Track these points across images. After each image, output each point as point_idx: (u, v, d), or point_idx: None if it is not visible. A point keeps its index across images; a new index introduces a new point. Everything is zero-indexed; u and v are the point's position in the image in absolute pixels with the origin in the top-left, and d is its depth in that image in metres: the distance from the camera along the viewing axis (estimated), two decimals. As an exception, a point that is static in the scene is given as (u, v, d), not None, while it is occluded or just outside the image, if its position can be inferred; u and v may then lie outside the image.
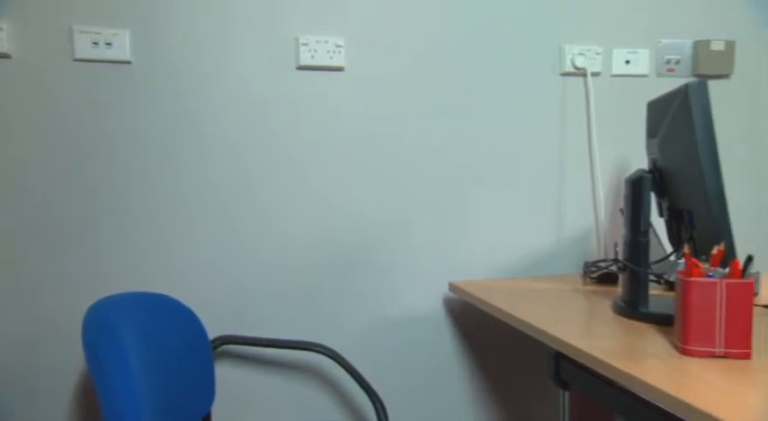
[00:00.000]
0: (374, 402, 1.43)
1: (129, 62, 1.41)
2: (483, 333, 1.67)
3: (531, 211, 1.68)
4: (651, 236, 1.49)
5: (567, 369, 1.21)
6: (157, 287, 1.45)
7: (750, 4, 1.74)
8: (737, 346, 0.95)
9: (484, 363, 1.69)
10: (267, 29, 1.47)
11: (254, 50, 1.47)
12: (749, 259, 0.96)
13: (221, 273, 1.49)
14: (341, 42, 1.50)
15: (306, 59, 1.48)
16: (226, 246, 1.49)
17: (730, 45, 1.71)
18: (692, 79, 1.06)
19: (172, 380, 1.15)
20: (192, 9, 1.43)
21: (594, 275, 1.52)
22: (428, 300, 1.63)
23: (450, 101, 1.61)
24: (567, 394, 1.49)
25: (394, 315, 1.61)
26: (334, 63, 1.50)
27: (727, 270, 0.96)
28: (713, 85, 1.74)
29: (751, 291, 0.95)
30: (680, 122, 1.07)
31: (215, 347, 1.45)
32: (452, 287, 1.57)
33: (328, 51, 1.48)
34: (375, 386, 1.60)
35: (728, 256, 0.97)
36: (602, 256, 1.69)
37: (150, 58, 1.42)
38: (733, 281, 0.94)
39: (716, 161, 1.00)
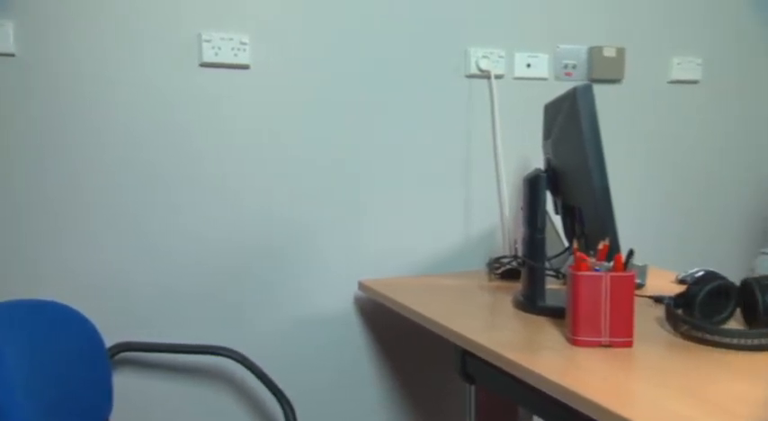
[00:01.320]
0: (282, 405, 1.41)
1: (12, 55, 1.33)
2: (393, 331, 1.69)
3: (439, 209, 1.71)
4: (552, 232, 1.56)
5: (472, 364, 1.24)
6: (48, 292, 1.37)
7: (639, 14, 1.85)
8: (621, 335, 1.01)
9: (394, 362, 1.71)
10: (168, 24, 1.42)
11: (155, 46, 1.41)
12: (630, 253, 1.03)
13: (120, 275, 1.42)
14: (246, 40, 1.47)
15: (209, 56, 1.44)
16: (125, 247, 1.43)
17: (621, 52, 1.81)
18: (585, 82, 1.12)
19: (62, 392, 1.09)
20: (88, 1, 1.36)
21: (498, 271, 1.57)
22: (338, 299, 1.63)
23: (358, 101, 1.61)
24: (473, 388, 1.53)
25: (303, 315, 1.60)
26: (239, 61, 1.47)
27: (611, 263, 1.02)
28: (606, 89, 1.84)
29: (632, 283, 1.01)
30: (569, 124, 1.12)
31: (113, 355, 1.39)
32: (361, 286, 1.58)
33: (233, 48, 1.45)
34: (284, 388, 1.58)
35: (613, 251, 1.03)
36: (507, 253, 1.75)
37: (39, 51, 1.34)
38: (616, 274, 1.00)
39: (601, 160, 1.06)
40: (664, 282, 1.48)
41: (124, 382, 1.45)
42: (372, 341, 1.68)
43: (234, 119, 1.50)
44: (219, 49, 1.44)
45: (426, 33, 1.66)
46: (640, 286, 1.43)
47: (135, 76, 1.41)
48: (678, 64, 1.89)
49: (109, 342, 1.42)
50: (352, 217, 1.63)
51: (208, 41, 1.44)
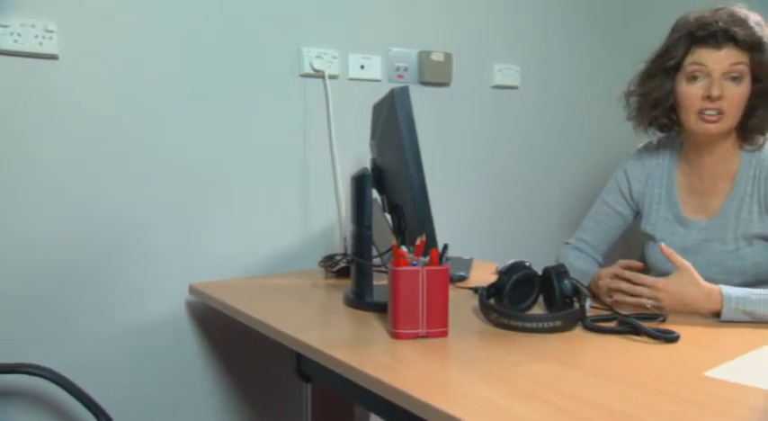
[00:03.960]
0: (104, 422, 1.31)
1: None
2: (228, 335, 1.64)
3: (275, 209, 1.69)
4: (386, 228, 1.60)
5: (307, 363, 1.24)
6: None
7: (465, 22, 1.96)
8: (437, 326, 1.06)
9: (230, 366, 1.66)
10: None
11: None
12: (445, 247, 1.08)
13: None
14: (52, 27, 1.34)
15: (7, 43, 1.30)
16: None
17: (448, 56, 1.91)
18: (402, 85, 1.17)
19: None
20: None
21: (334, 269, 1.58)
22: (169, 304, 1.55)
23: (188, 97, 1.55)
24: (309, 387, 1.53)
25: (130, 322, 1.50)
26: (44, 50, 1.34)
27: (428, 258, 1.07)
28: (436, 92, 1.93)
29: (446, 276, 1.07)
30: (389, 124, 1.16)
31: None
32: (193, 289, 1.52)
33: (36, 36, 1.32)
34: (109, 405, 1.46)
35: (430, 246, 1.08)
36: (344, 251, 1.77)
37: None
38: (432, 268, 1.05)
39: (418, 159, 1.10)
40: (486, 274, 1.59)
41: None
42: (206, 346, 1.62)
43: (44, 114, 1.36)
44: (20, 35, 1.30)
45: (259, 30, 1.63)
46: (464, 278, 1.52)
47: None
48: (499, 70, 2.03)
49: None
50: (185, 218, 1.56)
51: (5, 27, 1.29)
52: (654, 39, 1.31)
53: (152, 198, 1.52)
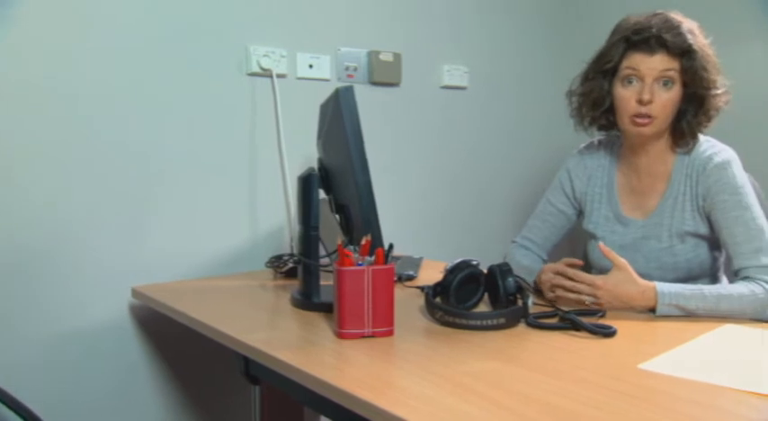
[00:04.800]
0: (41, 431, 1.26)
1: None
2: (174, 338, 1.60)
3: (223, 209, 1.67)
4: (337, 228, 1.59)
5: (255, 365, 1.22)
6: None
7: (414, 22, 1.97)
8: (382, 325, 1.07)
9: (176, 370, 1.63)
10: None
11: None
12: (390, 247, 1.09)
13: None
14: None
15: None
16: None
17: (398, 57, 1.92)
18: (347, 84, 1.16)
19: None
20: None
21: (282, 270, 1.57)
22: (111, 308, 1.51)
23: (134, 94, 1.51)
24: (258, 389, 1.51)
25: (70, 327, 1.45)
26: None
27: (374, 257, 1.07)
28: (386, 92, 1.94)
29: (391, 275, 1.07)
30: (334, 124, 1.16)
31: None
32: (135, 292, 1.48)
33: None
34: (48, 412, 1.41)
35: (375, 245, 1.08)
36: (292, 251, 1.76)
37: None
38: (377, 267, 1.05)
39: (363, 159, 1.10)
40: (435, 273, 1.60)
41: None
42: (151, 350, 1.58)
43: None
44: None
45: (206, 28, 1.61)
46: (412, 277, 1.52)
47: None
48: (448, 71, 2.05)
49: None
50: (128, 218, 1.52)
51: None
52: (599, 39, 1.35)
53: (93, 198, 1.47)
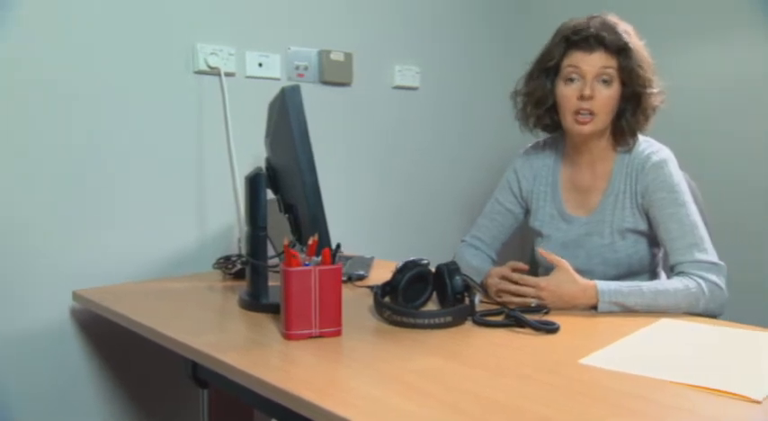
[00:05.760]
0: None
1: None
2: (119, 342, 1.56)
3: (171, 210, 1.63)
4: (287, 228, 1.58)
5: (203, 368, 1.20)
6: None
7: (365, 22, 1.97)
8: (330, 326, 1.06)
9: (122, 375, 1.58)
10: None
11: None
12: (338, 247, 1.08)
13: None
14: None
15: None
16: None
17: (349, 56, 1.92)
18: (293, 84, 1.15)
19: None
20: None
21: (231, 271, 1.55)
22: (50, 312, 1.45)
23: (78, 92, 1.46)
24: (206, 392, 1.49)
25: (8, 331, 1.39)
26: None
27: (321, 258, 1.06)
28: (337, 91, 1.93)
29: (339, 275, 1.06)
30: (281, 123, 1.15)
31: None
32: (76, 296, 1.43)
33: None
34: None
35: (323, 245, 1.07)
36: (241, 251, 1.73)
37: None
38: (324, 267, 1.05)
39: (310, 158, 1.09)
40: (386, 273, 1.60)
41: None
42: (95, 355, 1.54)
43: None
44: None
45: (151, 25, 1.57)
46: (363, 277, 1.52)
47: None
48: (399, 71, 2.06)
49: None
50: (69, 219, 1.47)
51: None
52: (547, 40, 1.38)
53: (32, 198, 1.42)
